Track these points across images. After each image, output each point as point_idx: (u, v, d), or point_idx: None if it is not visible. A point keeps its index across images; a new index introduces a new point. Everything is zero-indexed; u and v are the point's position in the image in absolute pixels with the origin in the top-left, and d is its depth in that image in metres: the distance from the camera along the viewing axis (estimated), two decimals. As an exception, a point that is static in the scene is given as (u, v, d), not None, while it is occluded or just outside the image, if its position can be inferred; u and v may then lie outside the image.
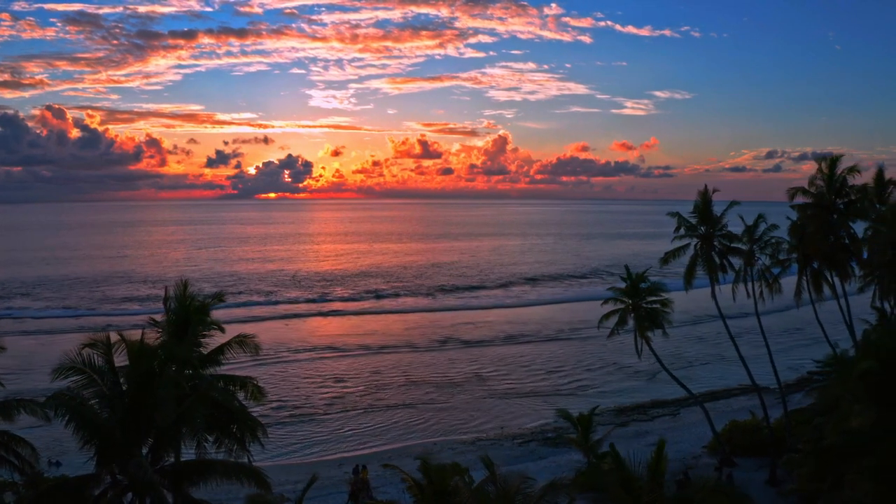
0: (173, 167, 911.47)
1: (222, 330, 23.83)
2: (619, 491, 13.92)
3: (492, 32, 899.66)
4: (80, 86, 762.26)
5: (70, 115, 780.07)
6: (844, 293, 36.46)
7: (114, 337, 19.12)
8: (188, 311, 22.58)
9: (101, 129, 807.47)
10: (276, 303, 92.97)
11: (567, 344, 66.48)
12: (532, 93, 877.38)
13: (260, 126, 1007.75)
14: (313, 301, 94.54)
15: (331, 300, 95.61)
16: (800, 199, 36.63)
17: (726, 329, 37.22)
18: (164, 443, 18.84)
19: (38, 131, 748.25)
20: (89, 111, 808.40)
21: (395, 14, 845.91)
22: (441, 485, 18.73)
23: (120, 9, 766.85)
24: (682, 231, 34.77)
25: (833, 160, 36.18)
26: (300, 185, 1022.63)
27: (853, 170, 36.27)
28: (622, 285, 34.22)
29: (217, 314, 24.68)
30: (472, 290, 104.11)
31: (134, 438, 18.23)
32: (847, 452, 19.01)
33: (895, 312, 35.54)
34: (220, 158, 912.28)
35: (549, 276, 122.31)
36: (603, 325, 34.02)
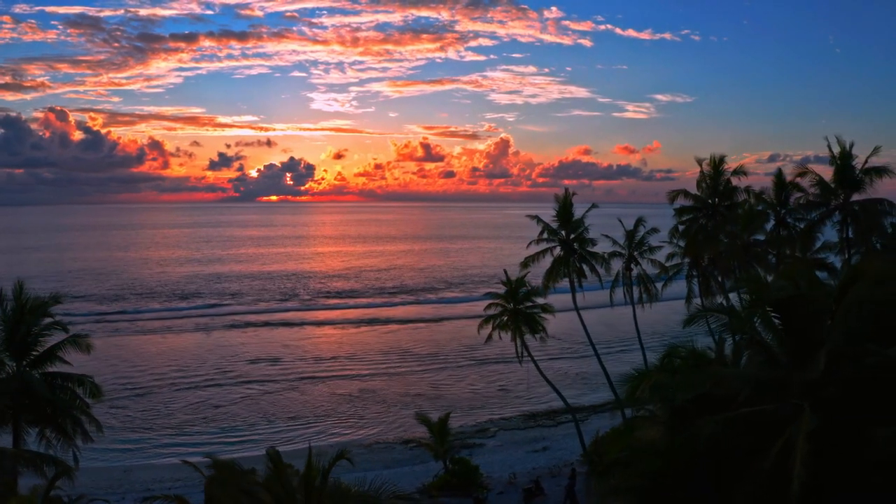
0: (175, 170, 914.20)
1: (66, 330, 24.85)
2: (268, 496, 14.36)
3: (492, 36, 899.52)
4: (81, 88, 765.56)
5: (72, 117, 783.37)
6: (726, 297, 36.86)
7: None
8: (23, 312, 23.48)
9: (103, 131, 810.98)
10: (242, 312, 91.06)
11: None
12: (533, 96, 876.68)
13: (261, 129, 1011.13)
14: (271, 311, 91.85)
15: (288, 310, 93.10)
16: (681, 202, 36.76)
17: (589, 340, 37.54)
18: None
19: (40, 133, 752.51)
20: (91, 114, 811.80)
21: (396, 17, 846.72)
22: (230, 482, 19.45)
23: (121, 11, 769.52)
24: (544, 235, 35.02)
25: (718, 160, 36.20)
26: (302, 187, 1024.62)
27: (738, 171, 36.50)
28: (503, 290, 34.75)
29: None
30: (447, 303, 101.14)
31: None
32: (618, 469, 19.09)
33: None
34: (222, 161, 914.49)
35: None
36: (482, 328, 34.54)
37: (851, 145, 34.22)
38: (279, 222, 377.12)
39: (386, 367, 60.68)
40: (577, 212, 35.23)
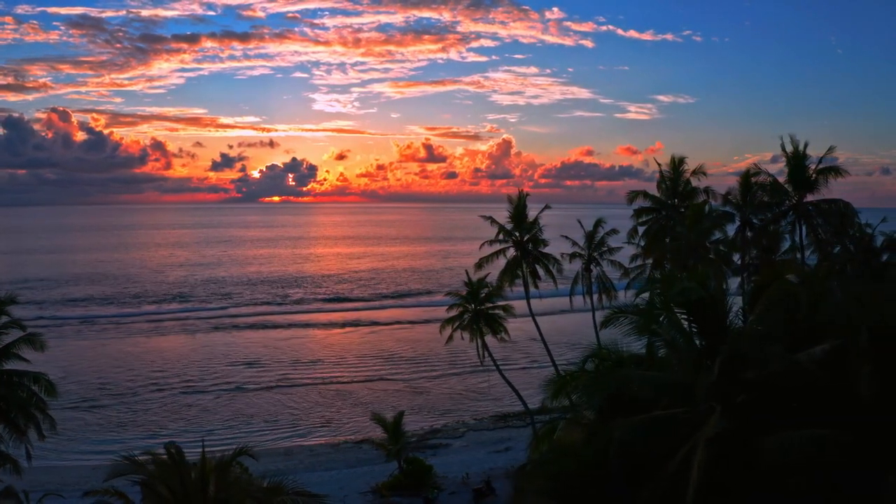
0: (178, 170, 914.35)
1: (23, 328, 25.55)
2: (165, 488, 14.95)
3: (494, 37, 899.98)
4: (83, 89, 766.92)
5: (75, 118, 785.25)
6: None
7: None
8: (-21, 312, 24.17)
9: (105, 132, 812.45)
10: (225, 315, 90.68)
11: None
12: (535, 97, 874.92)
13: (263, 130, 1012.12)
14: (260, 314, 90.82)
15: (277, 312, 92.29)
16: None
17: (543, 342, 37.74)
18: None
19: (42, 134, 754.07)
20: (93, 114, 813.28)
21: (397, 18, 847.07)
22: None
23: (123, 12, 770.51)
24: (500, 236, 35.34)
25: (678, 161, 36.52)
26: (304, 188, 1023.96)
27: (697, 171, 36.84)
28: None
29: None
30: (439, 305, 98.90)
31: None
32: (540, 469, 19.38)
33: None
34: (224, 162, 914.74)
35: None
36: (444, 329, 35.04)
37: (805, 145, 34.60)
38: (281, 223, 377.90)
39: (367, 369, 61.28)
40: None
